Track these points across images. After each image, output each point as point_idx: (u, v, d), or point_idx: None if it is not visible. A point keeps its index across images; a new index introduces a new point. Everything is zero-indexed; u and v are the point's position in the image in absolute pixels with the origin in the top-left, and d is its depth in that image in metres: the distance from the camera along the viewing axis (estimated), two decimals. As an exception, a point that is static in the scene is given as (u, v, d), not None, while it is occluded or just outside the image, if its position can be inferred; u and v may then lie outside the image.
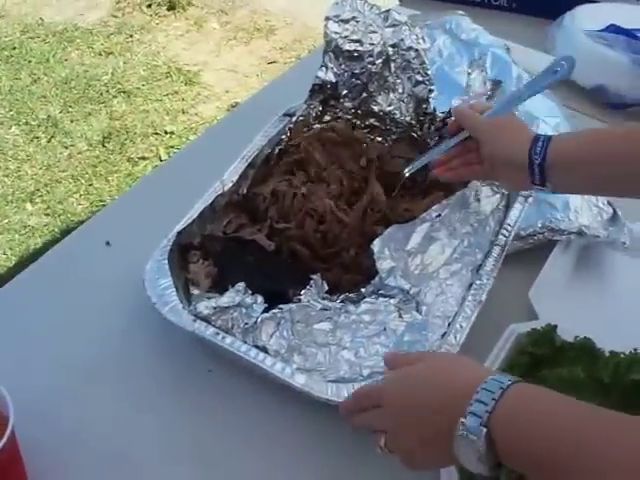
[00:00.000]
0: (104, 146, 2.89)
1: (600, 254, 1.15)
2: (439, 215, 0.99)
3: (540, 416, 0.60)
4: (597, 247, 1.14)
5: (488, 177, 1.01)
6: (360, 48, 1.14)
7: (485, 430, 0.59)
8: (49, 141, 2.93)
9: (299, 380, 0.84)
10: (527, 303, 1.04)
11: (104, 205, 2.58)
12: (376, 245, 0.94)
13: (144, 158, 2.84)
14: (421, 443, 0.67)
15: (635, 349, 0.85)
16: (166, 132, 2.97)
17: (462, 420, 0.60)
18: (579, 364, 0.86)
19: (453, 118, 1.01)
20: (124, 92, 3.17)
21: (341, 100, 1.18)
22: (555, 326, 0.91)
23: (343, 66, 1.16)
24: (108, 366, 0.97)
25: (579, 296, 1.07)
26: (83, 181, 2.75)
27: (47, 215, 2.62)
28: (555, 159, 0.88)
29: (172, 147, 2.89)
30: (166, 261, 0.95)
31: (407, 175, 1.06)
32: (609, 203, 1.14)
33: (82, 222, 1.26)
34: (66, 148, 2.89)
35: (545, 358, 0.89)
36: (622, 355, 0.85)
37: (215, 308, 0.89)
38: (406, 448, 0.69)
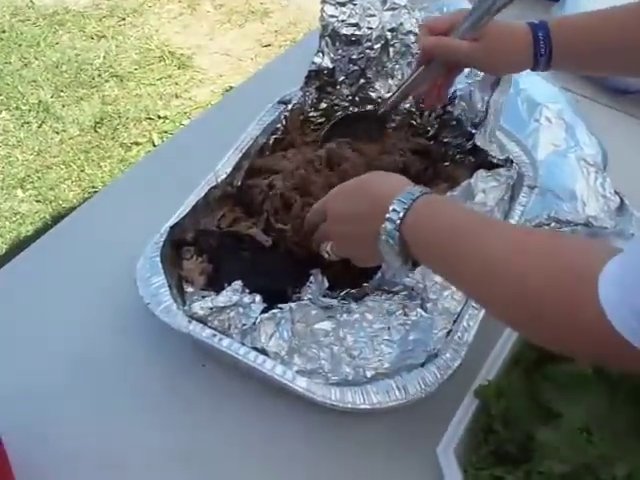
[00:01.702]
0: (96, 131, 2.84)
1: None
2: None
3: (441, 219, 0.72)
4: (604, 238, 1.10)
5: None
6: (358, 32, 1.10)
7: (398, 234, 0.71)
8: (40, 126, 2.87)
9: (301, 384, 0.81)
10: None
11: (96, 191, 2.53)
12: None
13: (137, 143, 2.80)
14: (359, 247, 0.81)
15: (645, 345, 0.82)
16: (159, 117, 2.92)
17: (382, 225, 0.72)
18: (586, 358, 0.83)
19: (421, 48, 0.98)
20: (116, 76, 3.12)
21: (338, 87, 1.14)
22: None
23: (340, 51, 1.12)
24: (98, 363, 0.94)
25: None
26: (75, 167, 2.70)
27: (38, 202, 2.57)
28: (561, 47, 0.91)
29: (166, 132, 2.84)
30: (158, 258, 0.91)
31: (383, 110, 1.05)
32: (616, 192, 1.11)
33: (74, 209, 1.22)
34: (57, 133, 2.84)
35: (551, 352, 0.87)
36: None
37: (211, 308, 0.85)
38: (352, 254, 0.84)
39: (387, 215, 0.72)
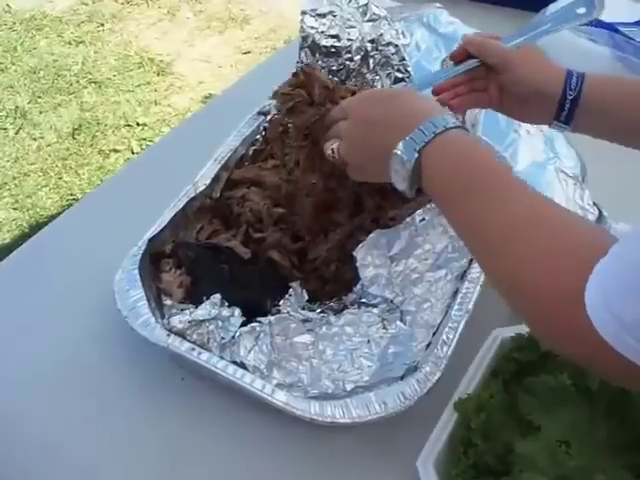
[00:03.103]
0: (74, 138, 2.82)
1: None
2: (423, 219, 0.95)
3: (467, 159, 0.69)
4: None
5: (496, 107, 0.97)
6: (338, 44, 1.10)
7: (417, 155, 0.69)
8: (17, 133, 2.85)
9: (280, 398, 0.81)
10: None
11: (75, 199, 2.52)
12: (359, 253, 0.91)
13: (116, 151, 2.78)
14: (370, 158, 0.77)
15: (623, 355, 0.82)
16: (138, 124, 2.90)
17: (402, 142, 0.70)
18: (565, 370, 0.83)
19: (461, 44, 0.95)
20: (95, 82, 3.10)
21: (318, 98, 1.14)
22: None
23: (320, 62, 1.12)
24: (76, 373, 0.93)
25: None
26: (53, 174, 2.68)
27: (15, 209, 2.55)
28: (590, 98, 0.87)
29: (144, 139, 2.83)
30: (137, 271, 0.91)
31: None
32: (595, 204, 1.11)
33: (52, 217, 1.22)
34: (35, 140, 2.82)
35: (530, 364, 0.87)
36: (609, 361, 0.83)
37: (190, 322, 0.84)
38: (357, 161, 0.80)
39: (413, 132, 0.69)
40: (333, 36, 1.10)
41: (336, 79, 1.12)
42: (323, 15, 1.09)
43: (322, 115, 0.93)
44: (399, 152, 0.70)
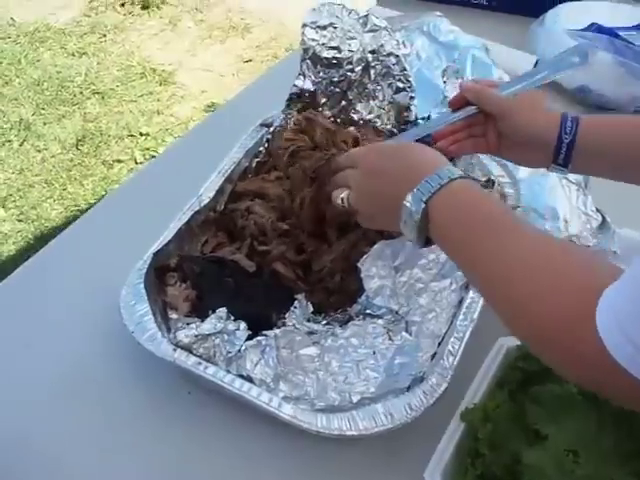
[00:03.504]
0: (78, 149, 2.84)
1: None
2: (427, 229, 0.95)
3: (472, 207, 0.71)
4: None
5: (494, 152, 0.98)
6: (339, 55, 1.10)
7: (424, 206, 0.70)
8: (21, 144, 2.87)
9: (287, 411, 0.81)
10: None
11: (79, 210, 2.53)
12: (363, 264, 0.91)
13: (119, 161, 2.79)
14: (380, 208, 0.79)
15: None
16: (141, 134, 2.91)
17: (411, 193, 0.71)
18: (571, 379, 0.83)
19: (458, 92, 0.98)
20: (98, 93, 3.12)
21: (320, 109, 1.14)
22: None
23: (321, 74, 1.12)
24: (82, 388, 0.93)
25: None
26: (57, 185, 2.69)
27: (20, 221, 2.56)
28: (585, 140, 0.88)
29: (148, 149, 2.84)
30: (142, 285, 0.91)
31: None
32: (598, 210, 1.11)
33: (57, 228, 1.23)
34: (39, 151, 2.83)
35: (536, 373, 0.87)
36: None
37: (196, 336, 0.85)
38: (367, 210, 0.82)
39: (420, 184, 0.71)
40: (334, 48, 1.10)
41: (338, 90, 1.13)
42: (324, 27, 1.09)
43: (328, 159, 0.96)
44: (407, 203, 0.72)
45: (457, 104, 0.96)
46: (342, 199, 0.83)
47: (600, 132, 0.90)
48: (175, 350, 0.85)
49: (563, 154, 0.89)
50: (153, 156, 2.77)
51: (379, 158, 0.81)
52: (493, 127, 0.94)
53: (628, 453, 0.79)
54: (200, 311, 0.91)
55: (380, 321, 0.90)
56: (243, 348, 0.85)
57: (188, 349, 0.85)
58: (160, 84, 3.18)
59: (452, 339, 0.87)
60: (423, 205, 0.70)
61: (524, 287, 0.62)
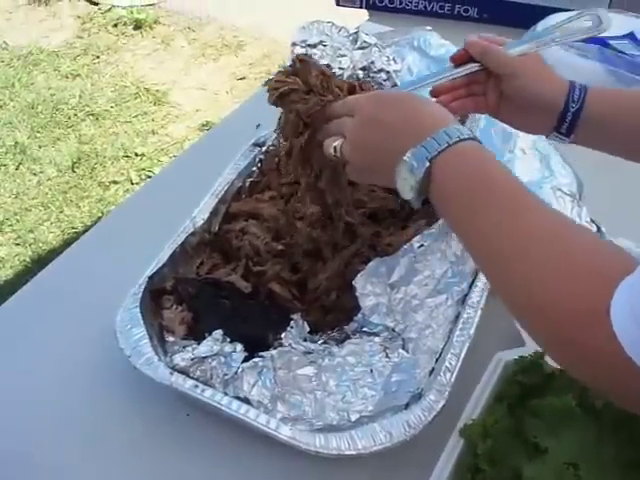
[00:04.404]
0: (74, 171, 2.84)
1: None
2: (422, 245, 0.95)
3: (482, 172, 0.66)
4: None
5: (493, 113, 0.94)
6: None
7: (428, 165, 0.66)
8: (17, 168, 2.87)
9: (285, 432, 0.80)
10: (515, 329, 1.00)
11: (76, 232, 2.53)
12: (358, 282, 0.91)
13: (115, 182, 2.79)
14: (374, 161, 0.74)
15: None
16: (137, 154, 2.92)
17: (413, 149, 0.67)
18: (570, 391, 0.83)
19: (463, 48, 0.92)
20: (92, 115, 3.12)
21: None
22: (543, 353, 0.88)
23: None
24: (81, 413, 0.93)
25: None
26: (54, 208, 2.69)
27: (17, 245, 2.55)
28: (591, 110, 0.86)
29: (143, 169, 2.84)
30: (138, 309, 0.91)
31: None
32: (592, 221, 1.11)
33: (54, 251, 1.23)
34: (35, 175, 2.83)
35: (534, 387, 0.87)
36: (613, 379, 0.82)
37: (193, 359, 0.85)
38: (360, 162, 0.76)
39: (425, 140, 0.67)
40: (325, 65, 1.10)
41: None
42: (314, 45, 1.10)
43: (324, 105, 0.88)
44: (408, 159, 0.67)
45: (459, 60, 0.91)
46: (335, 148, 0.78)
47: (606, 103, 0.87)
48: (172, 374, 0.85)
49: (568, 123, 0.86)
50: (149, 176, 2.77)
51: (379, 107, 0.75)
52: (494, 87, 0.90)
53: (628, 463, 0.79)
54: (197, 333, 0.91)
55: (377, 339, 0.90)
56: (240, 370, 0.85)
57: (185, 372, 0.85)
58: (154, 104, 3.19)
59: (449, 355, 0.87)
60: (427, 164, 0.66)
61: (537, 266, 0.58)
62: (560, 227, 0.61)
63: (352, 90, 0.94)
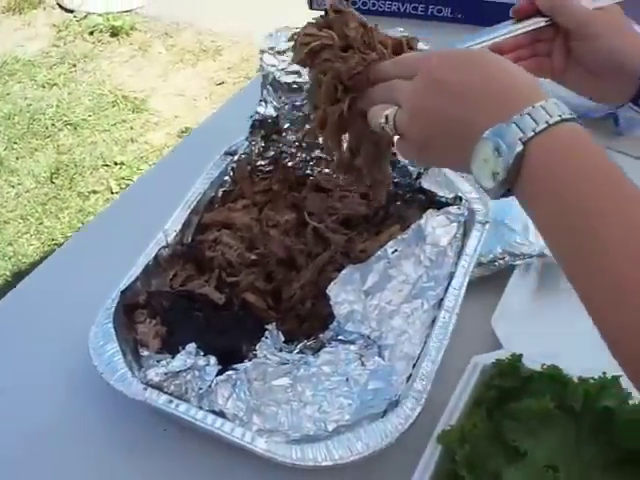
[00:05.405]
0: (53, 182, 2.82)
1: (562, 274, 1.11)
2: (395, 251, 0.94)
3: (585, 157, 0.54)
4: (558, 267, 1.10)
5: (558, 78, 0.83)
6: (299, 79, 1.10)
7: (521, 148, 0.53)
8: (-6, 181, 2.85)
9: (260, 445, 0.80)
10: (492, 332, 1.00)
11: (56, 244, 2.52)
12: (332, 290, 0.90)
13: (95, 192, 2.78)
14: (442, 134, 0.60)
15: (604, 372, 0.82)
16: (116, 163, 2.91)
17: (501, 125, 0.54)
18: (547, 393, 0.83)
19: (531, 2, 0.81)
20: (70, 124, 3.11)
21: (284, 134, 1.14)
22: (520, 355, 0.88)
23: (283, 99, 1.11)
24: (55, 433, 0.92)
25: (543, 320, 1.04)
26: (33, 220, 2.67)
27: (-4, 258, 2.54)
28: None
29: (123, 178, 2.83)
30: (111, 324, 0.90)
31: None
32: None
33: (34, 263, 1.21)
34: (13, 187, 2.82)
35: (512, 390, 0.87)
36: (591, 380, 0.82)
37: (166, 374, 0.84)
38: (421, 135, 0.61)
39: (516, 117, 0.54)
40: (294, 72, 1.09)
41: (300, 113, 1.12)
42: (282, 52, 1.09)
43: (367, 65, 0.72)
44: (493, 138, 0.54)
45: (523, 13, 0.80)
46: (387, 117, 0.64)
47: None
48: (146, 389, 0.84)
49: None
50: (129, 185, 2.76)
51: (445, 67, 0.61)
52: (562, 46, 0.79)
53: (608, 463, 0.79)
54: (171, 347, 0.90)
55: (352, 347, 0.89)
56: (214, 383, 0.84)
57: (159, 387, 0.84)
58: (133, 111, 3.18)
59: (425, 362, 0.87)
60: (520, 147, 0.53)
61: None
62: None
63: (398, 47, 0.78)
